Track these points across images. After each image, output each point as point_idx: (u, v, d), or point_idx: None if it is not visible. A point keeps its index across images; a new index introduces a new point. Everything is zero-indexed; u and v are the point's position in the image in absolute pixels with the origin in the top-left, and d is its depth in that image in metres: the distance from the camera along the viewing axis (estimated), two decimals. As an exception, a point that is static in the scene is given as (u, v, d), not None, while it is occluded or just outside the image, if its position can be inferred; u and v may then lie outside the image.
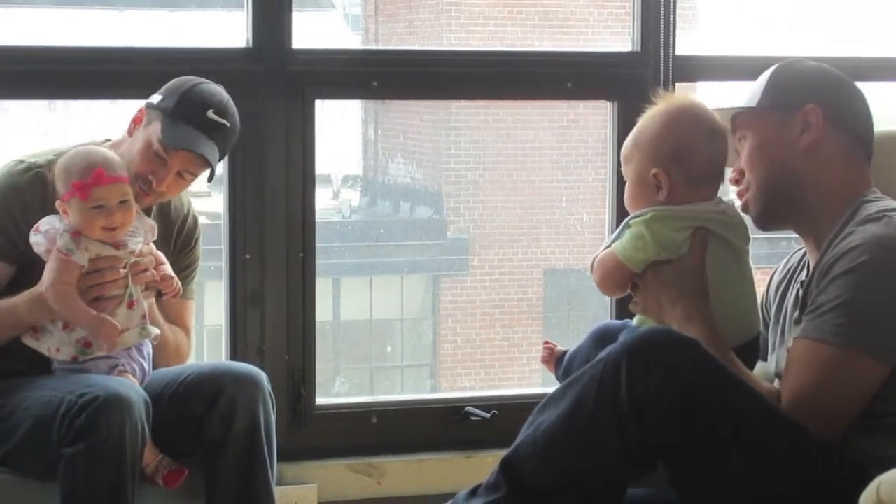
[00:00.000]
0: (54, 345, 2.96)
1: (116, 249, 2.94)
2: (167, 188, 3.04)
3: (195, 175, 3.06)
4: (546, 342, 2.87)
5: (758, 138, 2.67)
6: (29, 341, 2.99)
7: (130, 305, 2.96)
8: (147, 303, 3.01)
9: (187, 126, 3.00)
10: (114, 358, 2.96)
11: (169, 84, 3.08)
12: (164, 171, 3.01)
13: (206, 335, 6.06)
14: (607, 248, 2.66)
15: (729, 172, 2.76)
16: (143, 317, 2.98)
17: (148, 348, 3.04)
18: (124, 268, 2.95)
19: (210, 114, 3.02)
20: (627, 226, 2.65)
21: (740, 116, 2.72)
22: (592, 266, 2.68)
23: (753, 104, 2.70)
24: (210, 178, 3.05)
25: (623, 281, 2.66)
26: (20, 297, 2.96)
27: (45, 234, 2.93)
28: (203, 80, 3.09)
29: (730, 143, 2.74)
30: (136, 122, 3.07)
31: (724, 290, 2.62)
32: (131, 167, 3.01)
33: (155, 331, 3.01)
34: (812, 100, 2.65)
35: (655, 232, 2.60)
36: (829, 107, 2.66)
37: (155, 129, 3.01)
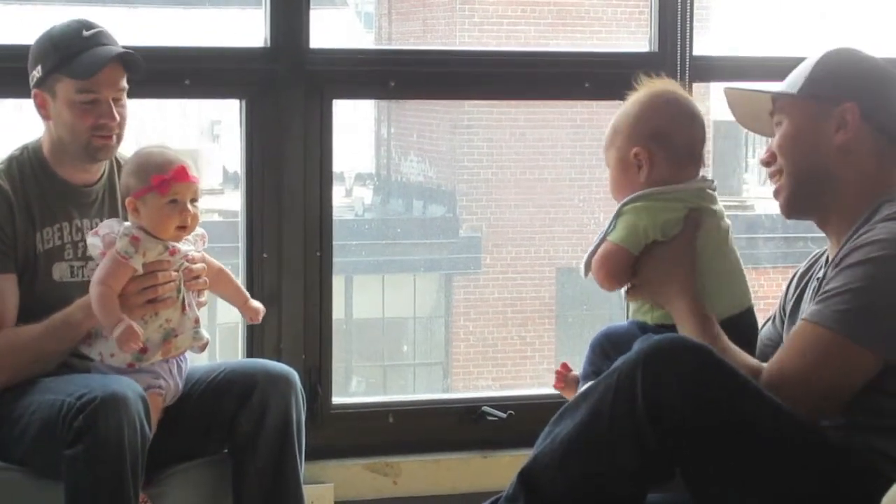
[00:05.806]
0: (108, 350, 2.94)
1: (171, 256, 2.94)
2: (119, 116, 3.03)
3: (126, 87, 3.06)
4: (560, 369, 2.84)
5: (792, 127, 2.62)
6: (82, 347, 2.98)
7: (184, 310, 2.96)
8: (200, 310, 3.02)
9: (81, 55, 3.01)
10: (159, 376, 2.96)
11: (31, 57, 3.07)
12: (104, 105, 3.02)
13: (220, 333, 6.05)
14: (600, 243, 2.68)
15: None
16: (196, 321, 2.99)
17: (186, 365, 3.05)
18: (176, 271, 2.95)
19: (84, 33, 3.04)
20: (619, 214, 2.68)
21: (779, 100, 2.67)
22: (587, 267, 2.69)
23: (795, 90, 2.64)
24: (137, 72, 3.04)
25: (627, 268, 2.66)
26: (72, 306, 2.96)
27: (104, 237, 2.93)
28: (44, 31, 3.09)
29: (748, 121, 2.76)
30: (42, 105, 3.07)
31: (717, 265, 2.65)
32: (77, 134, 3.01)
33: (206, 336, 3.02)
34: (851, 97, 2.60)
35: (653, 214, 2.64)
36: (867, 105, 2.60)
37: (63, 85, 3.02)
